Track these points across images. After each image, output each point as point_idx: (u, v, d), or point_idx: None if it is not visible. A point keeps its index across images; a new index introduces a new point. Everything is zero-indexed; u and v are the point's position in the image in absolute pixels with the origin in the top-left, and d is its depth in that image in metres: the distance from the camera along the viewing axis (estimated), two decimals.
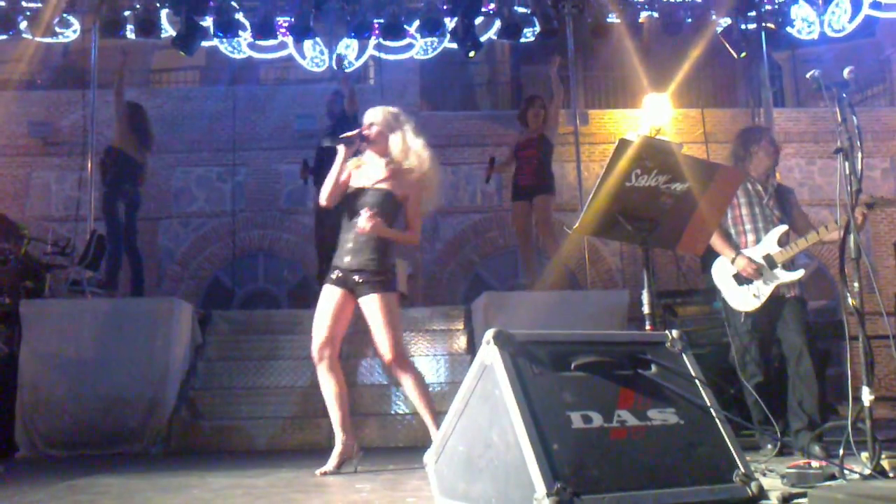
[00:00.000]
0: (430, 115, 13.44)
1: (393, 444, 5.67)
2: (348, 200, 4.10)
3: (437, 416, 3.94)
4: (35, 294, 7.09)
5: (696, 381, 2.45)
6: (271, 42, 9.39)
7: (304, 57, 9.81)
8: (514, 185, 7.37)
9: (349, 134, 4.08)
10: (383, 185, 4.06)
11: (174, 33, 8.80)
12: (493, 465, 2.26)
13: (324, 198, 4.07)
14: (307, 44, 9.63)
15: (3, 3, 8.54)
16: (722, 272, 4.65)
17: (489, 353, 2.32)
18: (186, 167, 12.51)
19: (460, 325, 6.86)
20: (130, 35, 9.04)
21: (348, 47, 9.77)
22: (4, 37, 8.88)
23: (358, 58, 9.95)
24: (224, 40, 9.34)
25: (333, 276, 4.10)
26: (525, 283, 7.50)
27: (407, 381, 4.12)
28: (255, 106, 12.90)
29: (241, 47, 9.65)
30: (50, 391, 5.75)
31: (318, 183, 7.48)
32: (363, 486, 3.41)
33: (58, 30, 9.10)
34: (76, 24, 9.21)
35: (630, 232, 3.37)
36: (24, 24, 8.81)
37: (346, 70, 8.18)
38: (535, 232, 7.35)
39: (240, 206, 12.57)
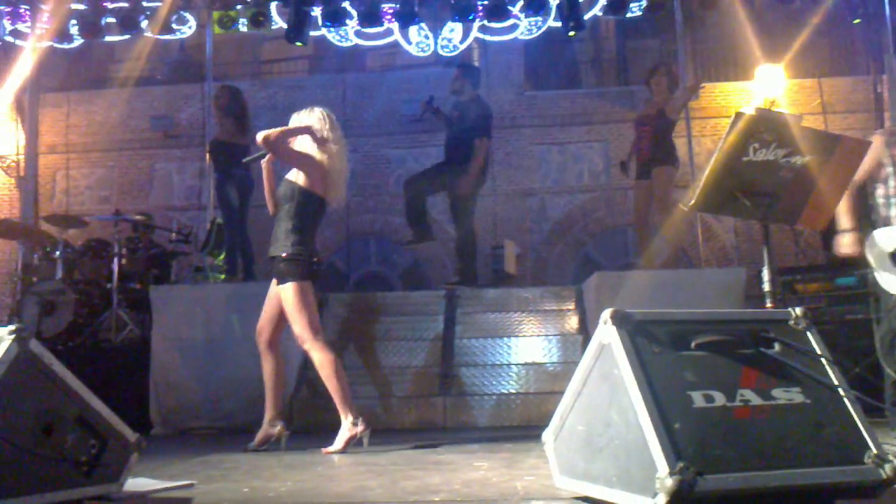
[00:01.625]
0: (535, 95, 13.36)
1: (507, 423, 5.72)
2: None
3: (347, 404, 4.31)
4: (161, 280, 7.48)
5: (823, 360, 2.39)
6: (377, 29, 9.54)
7: (409, 42, 9.92)
8: (635, 162, 7.20)
9: (249, 159, 4.64)
10: (290, 176, 4.47)
11: (284, 25, 9.04)
12: (614, 445, 2.27)
13: (270, 209, 4.53)
14: (412, 29, 9.73)
15: (125, 5, 8.96)
16: (879, 249, 4.34)
17: (607, 333, 2.31)
18: None
19: (571, 306, 6.83)
20: (243, 28, 9.36)
21: (452, 31, 9.82)
22: (128, 36, 9.33)
23: (462, 41, 9.99)
24: (332, 29, 9.54)
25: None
26: (638, 263, 7.38)
27: (317, 362, 4.35)
28: (362, 93, 13.12)
29: (348, 35, 9.84)
30: (179, 372, 6.05)
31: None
32: (481, 465, 3.47)
33: (175, 27, 9.49)
34: (192, 21, 9.58)
35: (748, 208, 3.29)
36: (144, 23, 9.23)
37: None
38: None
39: (351, 191, 12.83)
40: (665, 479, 1.99)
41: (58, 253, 7.26)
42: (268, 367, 4.49)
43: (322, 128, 4.49)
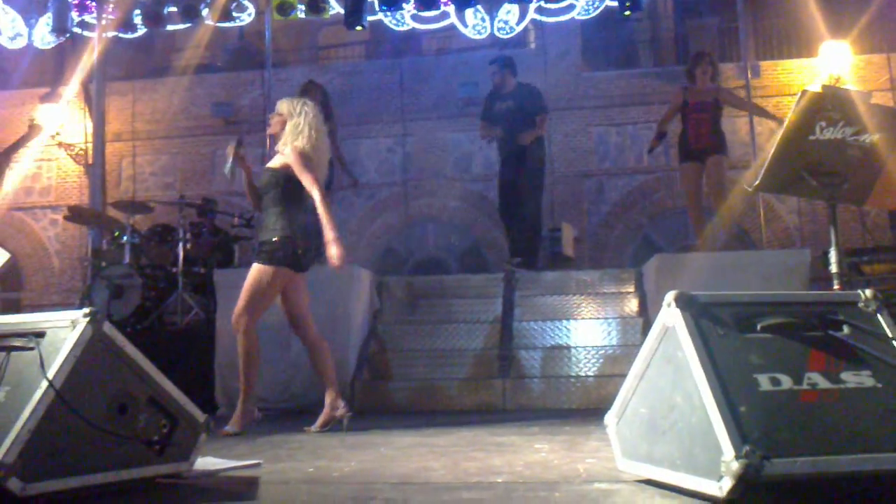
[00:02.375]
0: (592, 76, 13.23)
1: (566, 406, 5.71)
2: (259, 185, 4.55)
3: (250, 390, 4.38)
4: (225, 264, 7.62)
5: (894, 343, 2.33)
6: (434, 12, 9.53)
7: (465, 25, 9.89)
8: (683, 145, 7.15)
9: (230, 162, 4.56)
10: (272, 165, 4.51)
11: (342, 10, 9.10)
12: (678, 428, 2.25)
13: (252, 205, 4.66)
14: (468, 12, 9.70)
15: None
16: None
17: (671, 315, 2.30)
18: (356, 139, 12.93)
19: (631, 288, 6.78)
20: (301, 14, 9.44)
21: (509, 12, 9.76)
22: (189, 24, 9.48)
23: (519, 22, 9.92)
24: (388, 13, 9.56)
25: None
26: (695, 246, 7.30)
27: (240, 345, 4.37)
28: (419, 77, 13.14)
29: (404, 19, 9.85)
30: None
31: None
32: (542, 447, 3.48)
33: (234, 14, 9.62)
34: (251, 8, 9.70)
35: (815, 188, 3.23)
36: (205, 12, 9.37)
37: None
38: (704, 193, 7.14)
39: (408, 175, 12.89)
40: (731, 462, 1.98)
41: (125, 238, 7.45)
42: (316, 354, 4.54)
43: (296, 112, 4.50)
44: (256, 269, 4.36)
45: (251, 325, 4.38)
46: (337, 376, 4.65)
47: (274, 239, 4.35)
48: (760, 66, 12.25)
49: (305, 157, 4.37)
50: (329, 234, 4.24)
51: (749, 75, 9.73)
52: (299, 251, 4.40)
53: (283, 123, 4.51)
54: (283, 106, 4.55)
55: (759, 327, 2.29)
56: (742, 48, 9.70)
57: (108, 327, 2.56)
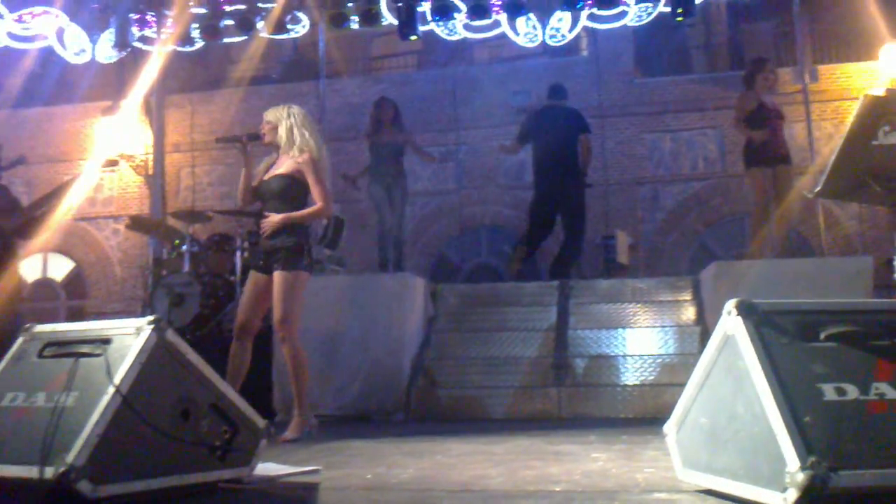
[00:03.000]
0: (645, 82, 13.12)
1: (623, 415, 5.66)
2: (261, 190, 4.64)
3: (304, 397, 4.48)
4: None
5: None
6: (486, 21, 9.55)
7: (517, 34, 9.87)
8: (754, 151, 6.95)
9: (223, 139, 4.94)
10: (280, 171, 4.53)
11: (395, 21, 9.17)
12: (739, 438, 2.22)
13: (238, 198, 4.72)
14: (520, 20, 9.69)
15: (242, 7, 9.28)
16: None
17: (732, 324, 2.27)
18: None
19: (688, 296, 6.69)
20: (354, 26, 9.54)
21: (561, 20, 9.73)
22: (244, 38, 9.66)
23: (571, 30, 9.88)
24: (440, 23, 9.61)
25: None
26: (747, 252, 7.19)
27: (287, 356, 4.45)
28: (471, 85, 13.16)
29: (456, 29, 9.88)
30: None
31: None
32: (599, 456, 3.46)
33: (289, 26, 9.76)
34: (305, 20, 9.83)
35: (879, 194, 3.16)
36: (260, 24, 9.53)
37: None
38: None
39: (462, 183, 12.91)
40: (796, 473, 1.94)
41: (185, 247, 7.59)
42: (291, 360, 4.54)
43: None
44: (285, 277, 4.40)
45: (294, 332, 4.44)
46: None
47: (291, 245, 4.43)
48: (818, 70, 12.00)
49: (320, 168, 4.51)
50: (288, 220, 4.42)
51: (807, 80, 9.57)
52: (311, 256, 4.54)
53: (275, 130, 4.62)
54: (269, 115, 4.67)
55: (822, 336, 2.25)
56: (799, 52, 9.54)
57: (171, 334, 2.61)
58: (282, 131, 4.58)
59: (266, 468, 2.99)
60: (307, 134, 4.55)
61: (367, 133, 8.19)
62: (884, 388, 2.15)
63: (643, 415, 5.53)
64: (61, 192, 5.83)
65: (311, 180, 4.47)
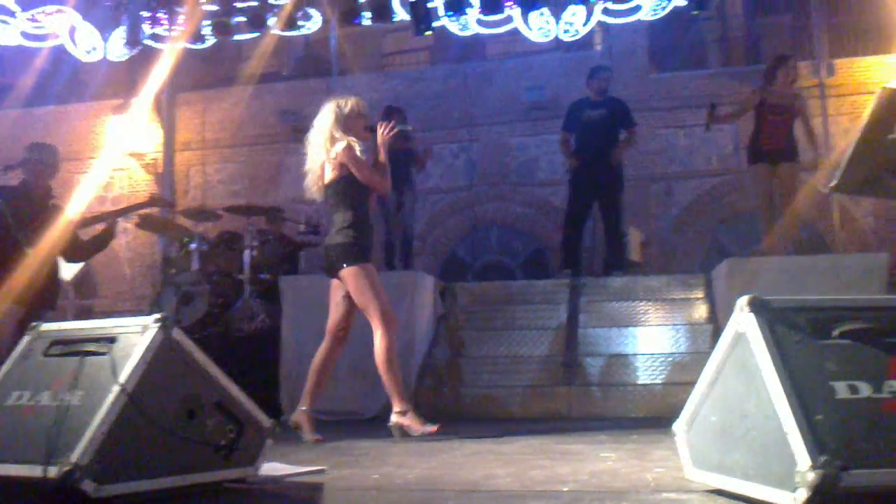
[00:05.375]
0: (660, 77, 13.01)
1: (633, 414, 5.62)
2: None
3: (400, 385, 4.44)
4: (291, 271, 7.71)
5: None
6: (498, 16, 9.51)
7: (530, 28, 9.84)
8: (754, 147, 6.97)
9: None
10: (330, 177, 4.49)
11: (406, 17, 9.15)
12: (750, 437, 2.18)
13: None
14: (533, 15, 9.65)
15: (254, 3, 9.28)
16: None
17: (744, 321, 2.23)
18: (421, 145, 12.97)
19: (700, 294, 6.64)
20: (367, 22, 9.52)
21: (574, 14, 9.69)
22: (256, 35, 9.66)
23: (584, 24, 9.83)
24: (453, 18, 9.57)
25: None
26: (760, 249, 7.14)
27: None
28: (483, 81, 13.09)
29: (468, 24, 9.85)
30: (307, 360, 6.17)
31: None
32: (608, 455, 3.42)
33: (300, 23, 9.75)
34: (316, 16, 9.82)
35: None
36: (271, 21, 9.53)
37: None
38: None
39: (473, 180, 12.85)
40: (807, 472, 1.90)
41: (194, 245, 7.59)
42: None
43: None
44: (351, 272, 4.41)
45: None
46: (402, 381, 4.65)
47: (341, 238, 4.44)
48: (835, 64, 11.86)
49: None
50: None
51: (823, 74, 9.47)
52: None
53: None
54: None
55: (835, 333, 2.20)
56: (816, 46, 9.45)
57: (177, 333, 2.60)
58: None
59: (272, 468, 2.97)
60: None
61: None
62: None
63: (654, 414, 5.48)
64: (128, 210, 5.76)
65: (353, 169, 4.51)
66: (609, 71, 7.83)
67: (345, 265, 4.39)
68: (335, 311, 4.55)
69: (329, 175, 4.49)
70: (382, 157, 4.57)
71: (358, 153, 4.45)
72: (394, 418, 4.39)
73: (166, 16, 9.63)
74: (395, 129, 4.66)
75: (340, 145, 4.43)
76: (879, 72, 11.76)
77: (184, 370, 2.61)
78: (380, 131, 4.60)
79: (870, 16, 11.36)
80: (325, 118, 4.57)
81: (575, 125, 7.70)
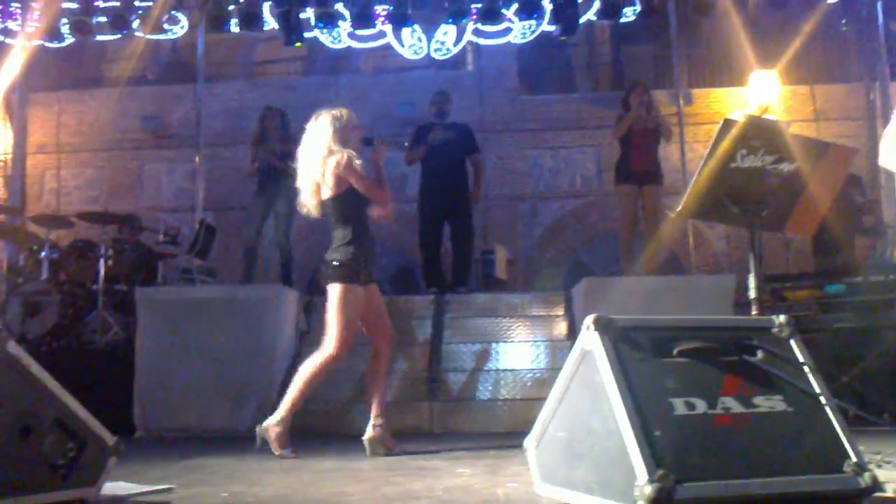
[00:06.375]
0: (529, 100, 13.33)
1: (494, 430, 5.69)
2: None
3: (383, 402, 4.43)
4: (148, 282, 7.43)
5: (805, 368, 2.37)
6: (370, 31, 9.52)
7: (402, 45, 9.90)
8: (622, 169, 7.27)
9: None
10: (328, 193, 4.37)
11: (276, 26, 9.03)
12: (594, 452, 2.25)
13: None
14: (405, 32, 9.72)
15: (117, 4, 8.93)
16: None
17: (590, 339, 2.30)
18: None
19: (560, 311, 6.82)
20: (235, 29, 9.33)
21: (446, 33, 9.81)
22: (118, 36, 9.29)
23: (456, 43, 9.97)
24: (324, 31, 9.51)
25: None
26: (622, 270, 7.40)
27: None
28: (355, 95, 13.03)
29: (340, 37, 9.81)
30: (163, 375, 5.99)
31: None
32: (464, 471, 3.45)
33: (166, 27, 9.46)
34: (184, 21, 9.55)
35: (736, 214, 3.30)
36: (136, 23, 9.19)
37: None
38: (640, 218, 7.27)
39: None
40: (644, 486, 1.98)
41: (43, 253, 7.20)
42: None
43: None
44: (332, 291, 4.37)
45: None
46: (259, 399, 4.54)
47: (332, 256, 4.41)
48: (692, 93, 12.48)
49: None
50: None
51: (681, 102, 9.95)
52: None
53: None
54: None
55: (675, 352, 2.31)
56: (675, 76, 9.90)
57: (11, 346, 2.44)
58: None
59: (116, 487, 2.84)
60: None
61: (252, 142, 7.92)
62: (730, 402, 2.22)
63: (514, 429, 5.56)
64: None
65: (355, 183, 4.40)
66: (446, 95, 7.89)
67: (331, 282, 4.32)
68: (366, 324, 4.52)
69: (327, 191, 4.33)
70: (381, 170, 4.47)
71: (357, 166, 4.30)
72: (265, 424, 4.26)
73: (20, 9, 9.13)
74: (387, 141, 4.56)
75: (339, 158, 4.28)
76: (732, 102, 12.47)
77: (19, 385, 2.45)
78: (377, 144, 4.48)
79: (725, 50, 12.04)
80: (321, 131, 4.38)
81: (420, 146, 7.73)
